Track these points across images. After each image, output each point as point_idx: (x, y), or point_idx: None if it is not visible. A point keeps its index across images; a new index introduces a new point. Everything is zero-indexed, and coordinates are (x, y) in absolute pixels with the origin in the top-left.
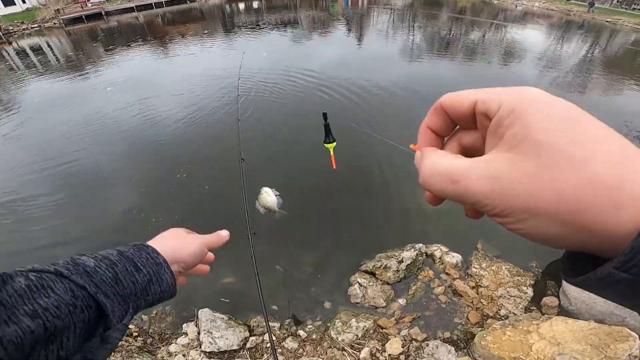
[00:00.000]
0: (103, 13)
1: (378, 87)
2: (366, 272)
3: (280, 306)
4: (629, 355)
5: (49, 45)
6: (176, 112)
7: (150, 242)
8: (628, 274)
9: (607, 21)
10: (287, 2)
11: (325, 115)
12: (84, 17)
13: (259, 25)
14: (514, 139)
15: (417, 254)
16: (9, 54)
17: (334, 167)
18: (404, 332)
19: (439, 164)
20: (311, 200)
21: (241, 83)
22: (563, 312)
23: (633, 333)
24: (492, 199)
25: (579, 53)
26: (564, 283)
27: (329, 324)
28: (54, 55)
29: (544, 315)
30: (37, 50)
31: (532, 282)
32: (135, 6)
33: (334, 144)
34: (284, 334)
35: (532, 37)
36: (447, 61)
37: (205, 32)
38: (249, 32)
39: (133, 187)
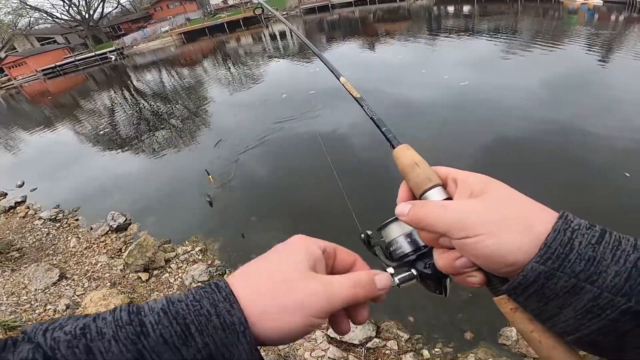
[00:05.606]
0: (329, 5)
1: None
2: None
3: (418, 319)
4: None
5: (290, 32)
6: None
7: (234, 279)
8: (545, 267)
9: None
10: (504, 9)
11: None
12: (316, 8)
13: (467, 31)
14: (478, 191)
15: None
16: (264, 36)
17: None
18: None
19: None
20: None
21: None
22: None
23: None
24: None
25: None
26: None
27: (459, 355)
28: (293, 41)
29: None
30: (282, 34)
31: None
32: (354, 1)
33: None
34: (408, 347)
35: None
36: None
37: (409, 32)
38: (453, 38)
39: None
